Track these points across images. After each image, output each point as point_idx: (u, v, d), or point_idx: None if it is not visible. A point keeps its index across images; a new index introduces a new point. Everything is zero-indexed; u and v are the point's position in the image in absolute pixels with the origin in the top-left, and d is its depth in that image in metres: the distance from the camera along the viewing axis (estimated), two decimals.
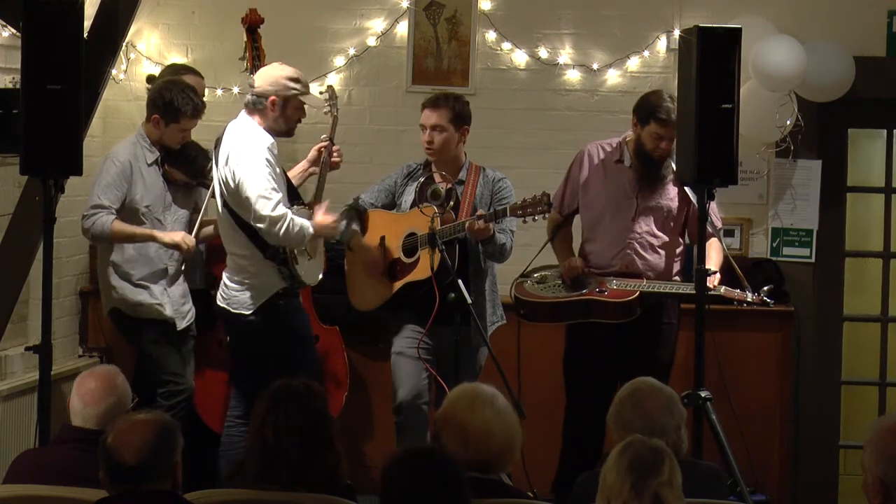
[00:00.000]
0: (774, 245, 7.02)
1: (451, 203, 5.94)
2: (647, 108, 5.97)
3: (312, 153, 6.00)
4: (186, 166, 5.96)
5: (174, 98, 5.85)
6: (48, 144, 5.02)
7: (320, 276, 5.82)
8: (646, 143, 5.97)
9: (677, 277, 6.12)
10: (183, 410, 5.94)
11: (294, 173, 6.02)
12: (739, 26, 5.62)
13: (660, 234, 6.06)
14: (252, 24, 6.42)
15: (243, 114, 5.62)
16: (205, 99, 6.46)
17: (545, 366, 6.34)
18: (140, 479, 3.49)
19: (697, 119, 5.48)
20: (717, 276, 5.89)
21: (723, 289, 5.87)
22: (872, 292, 7.27)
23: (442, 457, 3.37)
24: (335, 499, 3.84)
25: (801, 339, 6.96)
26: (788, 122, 6.75)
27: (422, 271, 5.83)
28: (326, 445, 3.91)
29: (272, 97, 5.54)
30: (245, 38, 6.44)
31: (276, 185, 5.48)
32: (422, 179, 6.06)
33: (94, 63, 5.46)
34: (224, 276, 5.68)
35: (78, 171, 5.18)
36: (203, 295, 6.34)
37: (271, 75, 5.60)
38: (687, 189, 5.98)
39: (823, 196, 6.98)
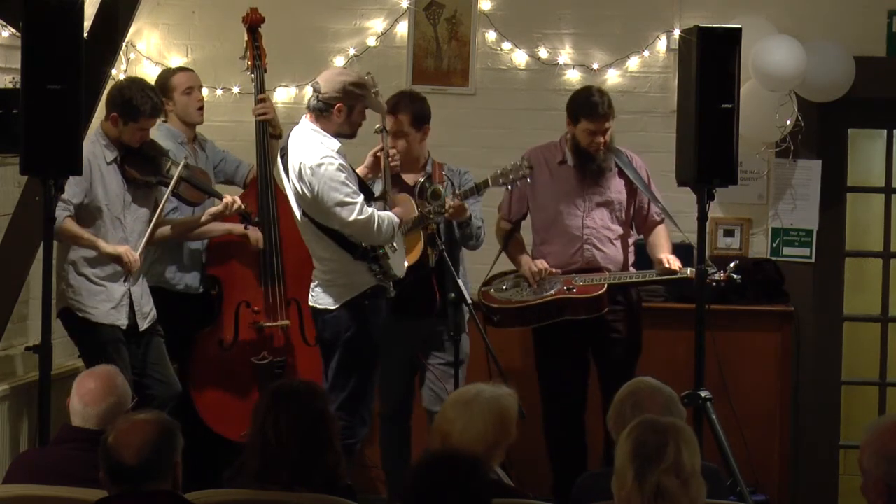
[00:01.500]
0: (774, 245, 7.02)
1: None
2: (574, 106, 6.06)
3: (369, 159, 5.89)
4: (145, 165, 5.89)
5: (133, 96, 5.77)
6: (48, 144, 5.02)
7: (405, 266, 5.79)
8: (581, 141, 6.04)
9: (632, 268, 6.20)
10: None
11: None
12: (739, 26, 5.64)
13: (614, 226, 6.14)
14: (253, 24, 6.41)
15: (305, 119, 5.59)
16: (205, 98, 6.47)
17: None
18: (140, 479, 3.49)
19: (697, 119, 5.50)
20: (677, 260, 6.00)
21: (689, 270, 5.94)
22: (872, 292, 7.28)
23: (466, 461, 3.35)
24: (335, 499, 3.84)
25: (801, 339, 6.96)
26: (788, 122, 6.75)
27: (410, 256, 5.87)
28: (326, 445, 3.91)
29: (339, 104, 5.52)
30: (246, 38, 6.43)
31: (355, 188, 5.48)
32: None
33: (94, 63, 5.45)
34: (313, 279, 5.68)
35: (78, 171, 5.18)
36: (203, 296, 6.34)
37: (339, 81, 5.55)
38: (633, 180, 6.05)
39: (823, 196, 6.98)
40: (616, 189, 6.13)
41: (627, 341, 6.12)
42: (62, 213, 5.57)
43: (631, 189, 6.13)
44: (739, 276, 6.02)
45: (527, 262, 6.14)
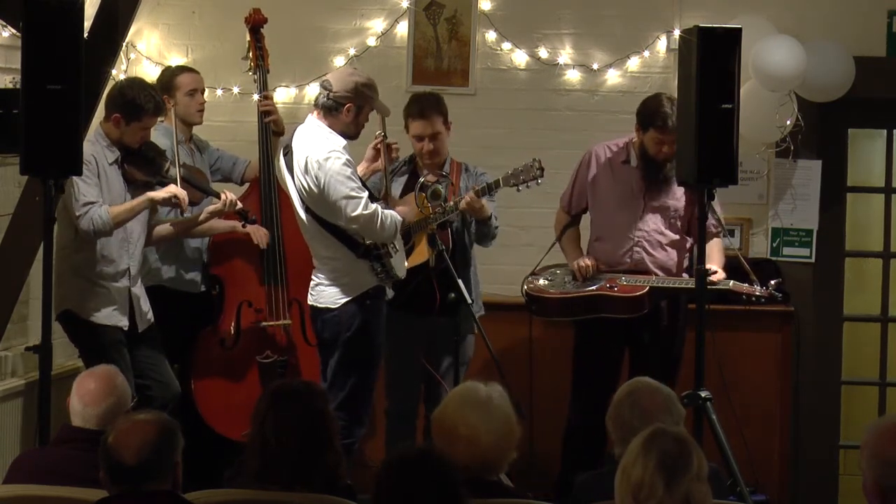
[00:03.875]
0: (774, 245, 7.02)
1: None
2: (645, 115, 6.05)
3: (370, 152, 5.94)
4: (146, 166, 5.90)
5: (136, 96, 5.76)
6: (48, 144, 5.02)
7: (405, 267, 5.80)
8: (649, 148, 6.06)
9: (685, 275, 6.19)
10: None
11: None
12: (739, 26, 5.63)
13: (667, 232, 6.14)
14: (255, 24, 6.42)
15: (311, 117, 5.62)
16: (205, 98, 6.47)
17: (551, 367, 6.37)
18: (140, 479, 3.49)
19: (697, 119, 5.49)
20: (721, 272, 5.99)
21: (731, 283, 5.99)
22: (872, 292, 7.28)
23: (434, 458, 3.35)
24: (335, 499, 3.84)
25: (801, 339, 6.96)
26: (788, 122, 6.75)
27: (419, 255, 5.88)
28: (326, 445, 3.91)
29: (349, 104, 5.55)
30: (248, 38, 6.44)
31: (360, 184, 5.52)
32: (407, 176, 6.13)
33: (94, 63, 5.45)
34: (313, 277, 5.70)
35: (78, 172, 5.19)
36: (204, 295, 6.34)
37: (351, 81, 5.58)
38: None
39: (823, 196, 6.99)
40: (675, 196, 6.13)
41: (673, 361, 6.11)
42: (103, 209, 5.63)
43: (690, 197, 6.10)
44: (780, 295, 6.02)
45: (575, 258, 6.17)
